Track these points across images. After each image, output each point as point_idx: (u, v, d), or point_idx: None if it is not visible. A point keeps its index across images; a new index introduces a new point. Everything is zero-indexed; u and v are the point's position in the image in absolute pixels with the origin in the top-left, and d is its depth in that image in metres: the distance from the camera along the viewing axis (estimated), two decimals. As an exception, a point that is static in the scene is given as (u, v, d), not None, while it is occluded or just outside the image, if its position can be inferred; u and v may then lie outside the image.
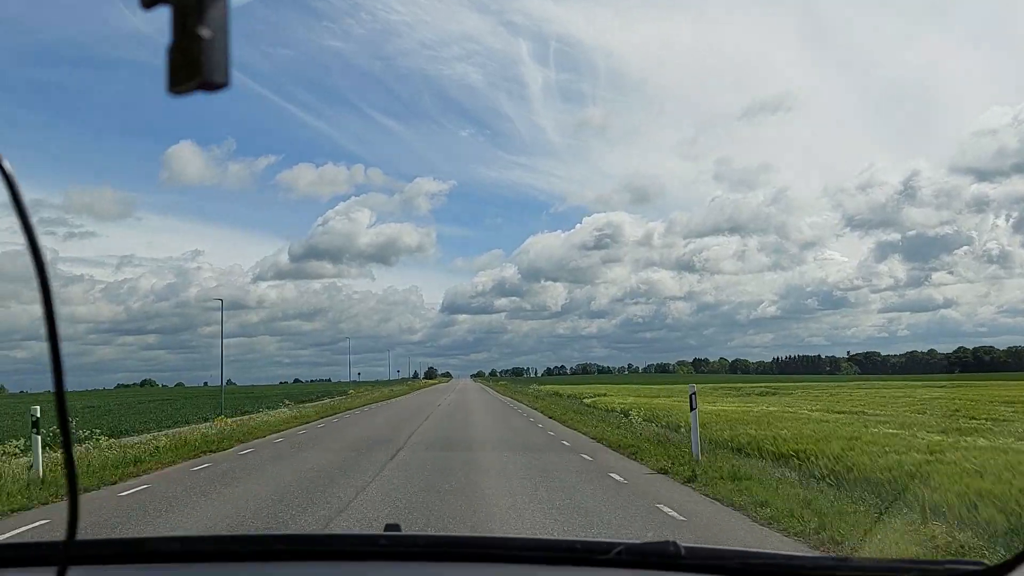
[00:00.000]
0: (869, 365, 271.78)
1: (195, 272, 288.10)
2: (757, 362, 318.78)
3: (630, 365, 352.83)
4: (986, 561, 1.51)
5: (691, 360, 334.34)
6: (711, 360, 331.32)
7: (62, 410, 0.70)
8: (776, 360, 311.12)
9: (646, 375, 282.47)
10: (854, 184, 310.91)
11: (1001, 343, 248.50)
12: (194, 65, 0.71)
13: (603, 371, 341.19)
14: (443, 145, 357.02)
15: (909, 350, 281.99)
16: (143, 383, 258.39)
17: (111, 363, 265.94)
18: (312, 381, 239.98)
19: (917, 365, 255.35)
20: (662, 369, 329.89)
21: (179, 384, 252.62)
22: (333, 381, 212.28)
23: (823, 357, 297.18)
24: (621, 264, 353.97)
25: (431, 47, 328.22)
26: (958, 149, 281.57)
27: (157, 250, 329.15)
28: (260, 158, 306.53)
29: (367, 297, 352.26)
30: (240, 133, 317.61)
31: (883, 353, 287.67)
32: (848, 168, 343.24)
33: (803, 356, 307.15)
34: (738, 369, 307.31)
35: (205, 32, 0.71)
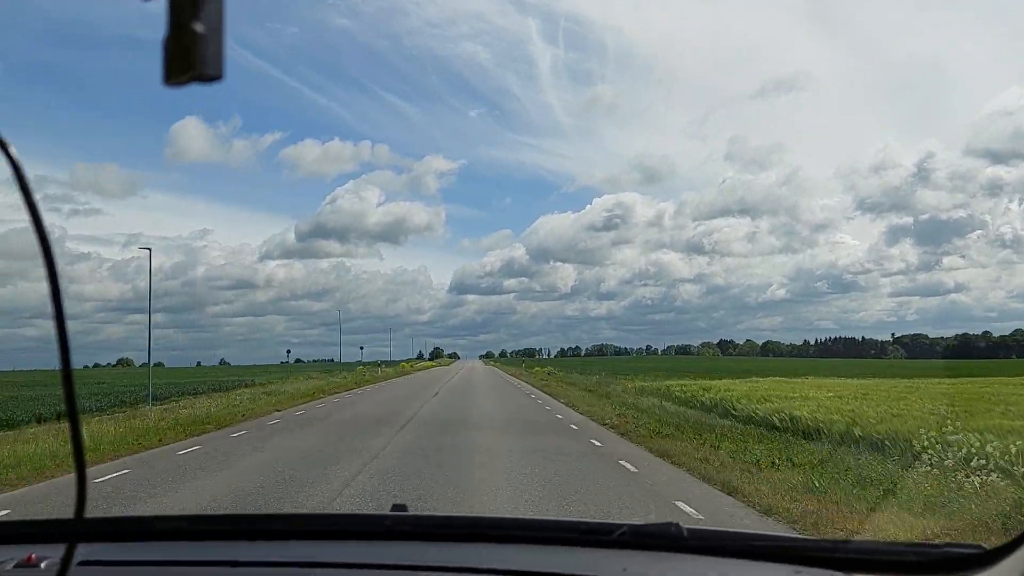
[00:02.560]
0: (916, 348, 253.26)
1: (203, 251, 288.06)
2: (790, 344, 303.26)
3: (648, 347, 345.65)
4: (984, 545, 1.50)
5: (716, 342, 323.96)
6: (737, 342, 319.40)
7: (69, 386, 0.73)
8: (816, 342, 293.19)
9: (666, 357, 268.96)
10: (867, 166, 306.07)
11: (1007, 328, 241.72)
12: (188, 59, 0.72)
13: (619, 352, 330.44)
14: (451, 125, 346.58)
15: (961, 332, 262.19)
16: (119, 362, 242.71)
17: (119, 342, 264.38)
18: (315, 361, 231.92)
19: (971, 349, 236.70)
20: (683, 351, 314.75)
21: (159, 364, 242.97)
22: (336, 361, 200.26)
23: (866, 339, 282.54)
24: (631, 245, 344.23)
25: (439, 25, 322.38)
26: (973, 131, 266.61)
27: (165, 229, 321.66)
28: (266, 135, 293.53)
29: (375, 277, 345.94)
30: (246, 111, 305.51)
31: (931, 336, 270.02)
32: (861, 150, 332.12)
33: (845, 338, 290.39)
34: (770, 352, 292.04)
35: (199, 27, 0.72)
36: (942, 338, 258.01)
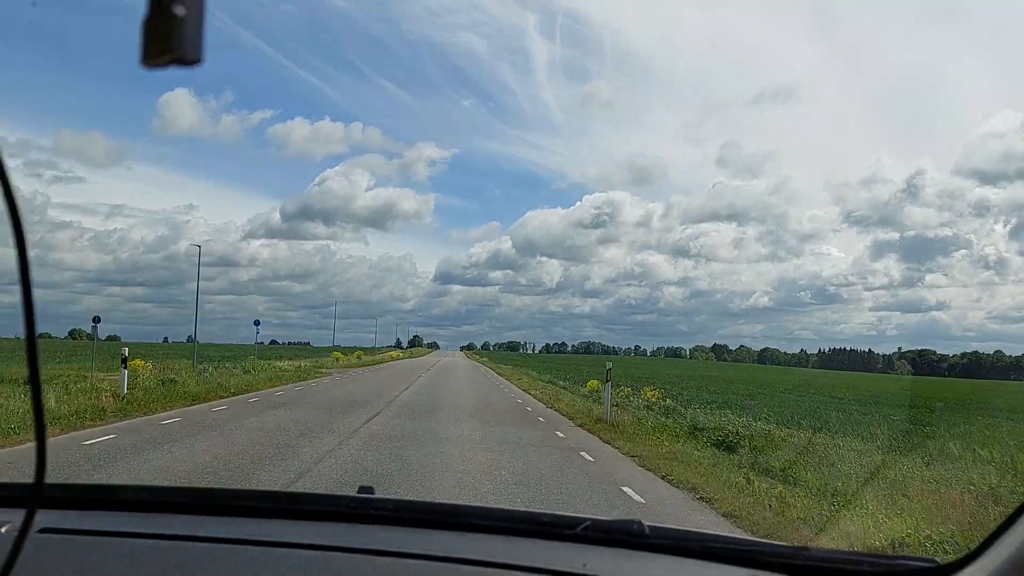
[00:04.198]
0: (923, 365, 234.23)
1: (187, 226, 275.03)
2: (791, 354, 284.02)
3: (637, 347, 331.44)
4: (938, 559, 1.51)
5: (710, 346, 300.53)
6: (731, 347, 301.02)
7: (32, 351, 0.68)
8: (819, 352, 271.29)
9: (656, 359, 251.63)
10: (857, 179, 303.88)
11: (986, 349, 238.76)
12: (167, 41, 0.68)
13: (607, 351, 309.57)
14: (445, 113, 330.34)
15: (970, 349, 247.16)
16: (69, 333, 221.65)
17: (98, 313, 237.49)
18: (290, 343, 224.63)
19: (980, 368, 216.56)
20: (673, 354, 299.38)
21: (114, 337, 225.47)
22: (313, 345, 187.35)
23: (873, 353, 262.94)
24: (618, 244, 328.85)
25: (437, 14, 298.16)
26: (964, 151, 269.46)
27: (149, 201, 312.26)
28: (256, 112, 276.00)
29: (360, 262, 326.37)
30: (238, 86, 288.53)
31: (939, 352, 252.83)
32: (852, 163, 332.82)
33: (849, 350, 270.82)
34: (767, 360, 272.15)
35: (180, 10, 0.67)
36: (950, 355, 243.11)
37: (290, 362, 42.17)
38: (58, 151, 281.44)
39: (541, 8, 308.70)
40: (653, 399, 21.11)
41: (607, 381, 16.49)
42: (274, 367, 35.07)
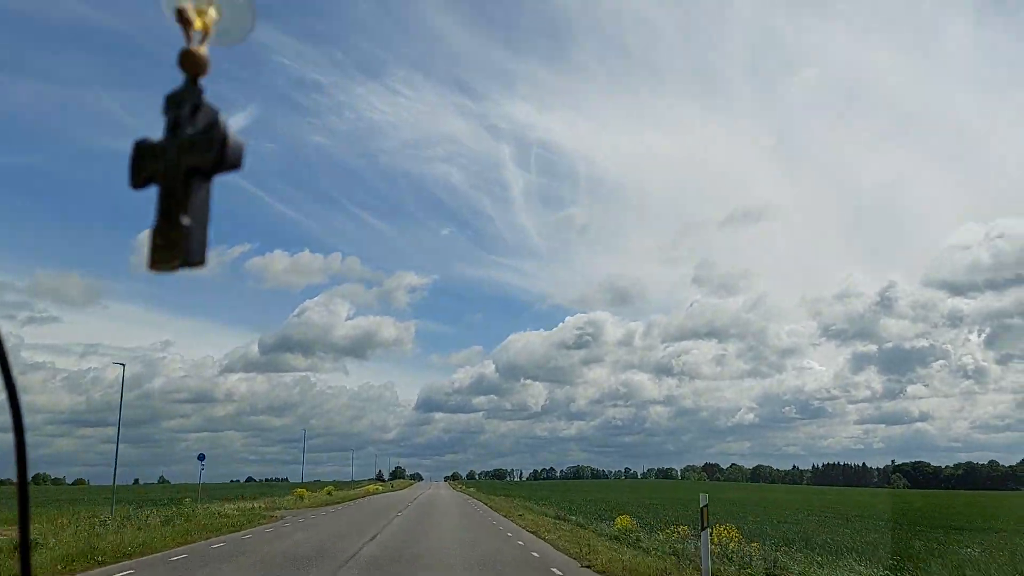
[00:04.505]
0: (919, 477, 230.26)
1: (163, 363, 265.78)
2: (783, 470, 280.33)
3: (627, 469, 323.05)
4: None
5: (701, 465, 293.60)
6: (723, 466, 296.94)
7: (24, 501, 0.66)
8: (813, 468, 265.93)
9: (645, 480, 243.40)
10: (831, 294, 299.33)
11: (973, 458, 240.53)
12: (174, 249, 0.72)
13: (597, 475, 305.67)
14: (423, 241, 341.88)
15: (959, 460, 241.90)
16: (33, 478, 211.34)
17: (69, 455, 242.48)
18: (267, 480, 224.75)
19: (976, 479, 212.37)
20: (664, 475, 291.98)
21: (79, 481, 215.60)
22: (291, 481, 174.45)
23: (868, 467, 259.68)
24: (601, 364, 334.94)
25: (414, 147, 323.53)
26: (932, 263, 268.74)
27: (125, 339, 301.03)
28: (235, 247, 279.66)
29: (340, 392, 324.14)
30: (215, 221, 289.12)
31: (933, 464, 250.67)
32: (825, 278, 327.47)
33: (843, 465, 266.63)
34: (760, 478, 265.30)
35: (186, 220, 0.71)
36: (945, 467, 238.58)
37: (241, 504, 34.95)
38: (33, 292, 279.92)
39: (516, 140, 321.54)
40: (729, 543, 14.41)
41: (704, 527, 10.01)
42: (212, 512, 28.01)
